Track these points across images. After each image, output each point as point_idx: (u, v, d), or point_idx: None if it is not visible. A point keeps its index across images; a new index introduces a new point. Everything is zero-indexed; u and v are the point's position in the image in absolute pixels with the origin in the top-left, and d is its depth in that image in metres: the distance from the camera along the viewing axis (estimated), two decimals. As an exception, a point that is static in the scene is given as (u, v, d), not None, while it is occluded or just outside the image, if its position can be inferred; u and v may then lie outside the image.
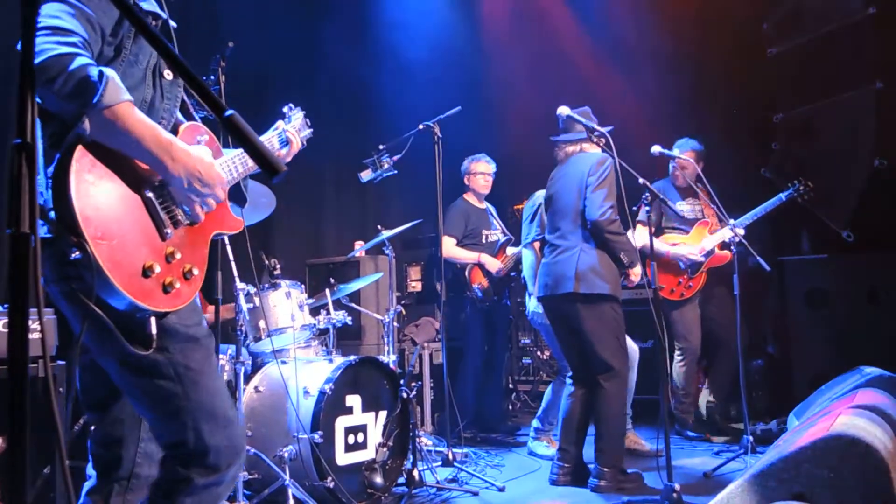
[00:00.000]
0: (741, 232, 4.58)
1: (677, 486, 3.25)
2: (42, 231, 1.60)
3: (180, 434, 1.71)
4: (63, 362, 3.03)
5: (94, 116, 1.53)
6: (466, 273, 5.14)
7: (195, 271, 1.72)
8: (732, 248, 4.49)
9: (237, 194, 2.02)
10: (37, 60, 1.47)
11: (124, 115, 1.56)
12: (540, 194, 4.64)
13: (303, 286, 3.92)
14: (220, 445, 1.74)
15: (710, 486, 3.81)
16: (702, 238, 4.91)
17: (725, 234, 4.74)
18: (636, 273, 3.90)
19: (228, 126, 1.05)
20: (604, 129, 3.68)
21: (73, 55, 1.51)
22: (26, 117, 0.97)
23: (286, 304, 3.74)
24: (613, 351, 3.80)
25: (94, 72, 1.52)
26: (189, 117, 1.95)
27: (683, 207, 5.03)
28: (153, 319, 1.65)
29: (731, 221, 4.52)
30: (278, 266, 3.82)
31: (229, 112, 1.05)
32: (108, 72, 1.54)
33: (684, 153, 4.92)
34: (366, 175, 4.08)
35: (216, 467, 1.74)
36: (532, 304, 4.65)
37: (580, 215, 3.86)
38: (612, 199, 3.75)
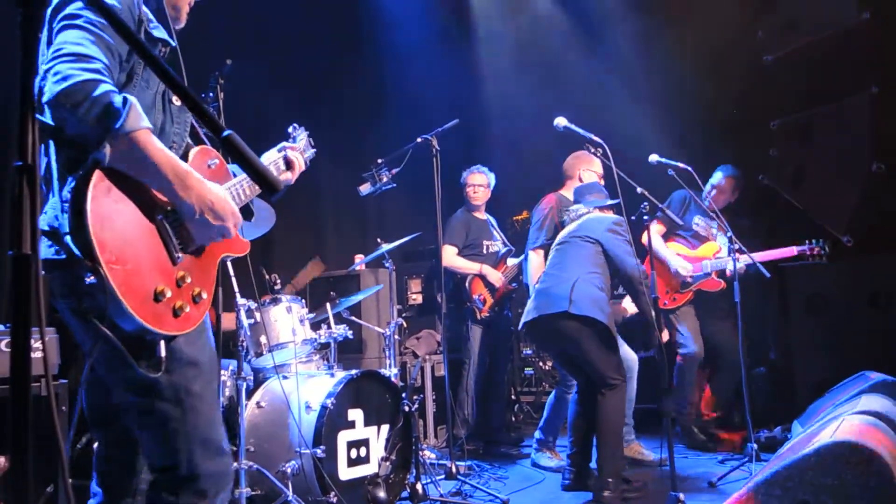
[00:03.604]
0: (742, 266, 4.60)
1: (681, 496, 3.24)
2: (50, 252, 1.62)
3: (173, 458, 1.72)
4: (65, 381, 3.03)
5: (115, 142, 1.55)
6: (467, 284, 5.14)
7: (204, 295, 1.74)
8: (732, 257, 4.52)
9: (244, 209, 2.04)
10: (61, 87, 1.50)
11: (144, 142, 1.58)
12: (549, 199, 4.66)
13: (303, 301, 3.92)
14: (210, 473, 1.75)
15: (715, 495, 3.80)
16: (704, 258, 4.88)
17: (727, 263, 4.69)
18: (653, 341, 3.95)
19: (226, 146, 1.06)
20: (611, 203, 3.81)
21: (96, 81, 1.53)
22: (27, 139, 0.98)
23: (287, 319, 3.74)
24: (609, 365, 3.82)
25: (117, 99, 1.55)
26: (199, 141, 1.96)
27: (699, 223, 5.02)
28: (163, 343, 1.67)
29: (736, 249, 4.55)
30: (278, 281, 3.83)
31: (227, 132, 1.06)
32: (131, 98, 1.57)
33: (726, 177, 4.96)
34: (365, 188, 4.10)
35: (204, 494, 1.74)
36: None
37: (585, 259, 3.93)
38: (633, 256, 3.88)
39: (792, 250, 4.60)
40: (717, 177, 5.01)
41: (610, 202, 4.10)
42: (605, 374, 3.79)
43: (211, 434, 1.77)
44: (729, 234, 4.25)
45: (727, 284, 4.86)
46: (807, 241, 4.57)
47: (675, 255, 4.94)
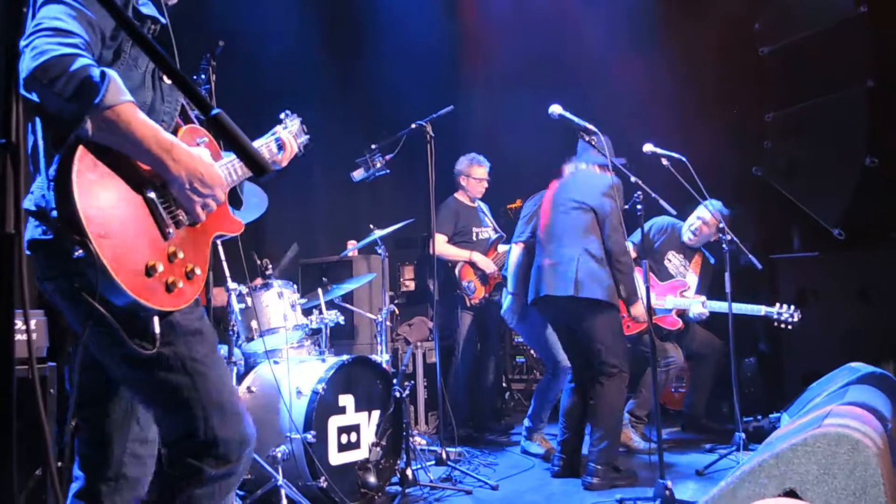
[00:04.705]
0: (706, 312, 4.62)
1: (669, 483, 3.26)
2: (37, 232, 1.61)
3: (190, 425, 1.71)
4: (53, 364, 3.01)
5: (96, 117, 1.53)
6: (457, 271, 5.13)
7: (197, 271, 1.73)
8: (689, 316, 4.70)
9: (233, 197, 2.03)
10: (38, 61, 1.48)
11: (126, 116, 1.56)
12: (541, 195, 4.65)
13: (295, 286, 3.91)
14: (230, 437, 1.74)
15: (703, 483, 3.83)
16: (668, 293, 4.84)
17: (692, 305, 4.69)
18: (636, 310, 3.99)
19: (214, 125, 1.05)
20: (615, 160, 3.78)
21: (74, 56, 1.51)
22: (11, 116, 0.96)
23: (278, 304, 3.73)
24: (614, 352, 3.84)
25: (95, 72, 1.52)
26: (188, 121, 1.95)
27: (673, 260, 5.02)
28: (156, 319, 1.66)
29: (702, 298, 4.65)
30: (270, 266, 3.81)
31: (215, 111, 1.05)
32: (110, 72, 1.54)
33: (713, 213, 4.74)
34: (358, 174, 4.08)
35: (227, 459, 1.74)
36: (507, 303, 4.67)
37: (583, 229, 3.91)
38: (622, 226, 3.87)
39: (760, 309, 4.50)
40: (704, 212, 4.75)
41: (590, 129, 3.86)
42: (606, 360, 3.81)
43: (223, 396, 1.76)
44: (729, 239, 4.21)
45: (685, 326, 4.85)
46: (777, 304, 4.53)
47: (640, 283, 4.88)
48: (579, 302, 3.82)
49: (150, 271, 1.61)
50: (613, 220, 3.87)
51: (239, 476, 1.81)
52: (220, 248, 3.41)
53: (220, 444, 1.72)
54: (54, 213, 1.54)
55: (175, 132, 1.83)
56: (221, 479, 1.75)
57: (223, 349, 3.59)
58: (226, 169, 1.88)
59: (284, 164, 2.21)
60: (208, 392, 1.73)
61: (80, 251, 1.50)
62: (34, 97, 1.55)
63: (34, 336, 2.92)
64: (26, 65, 1.49)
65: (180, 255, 1.69)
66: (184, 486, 1.73)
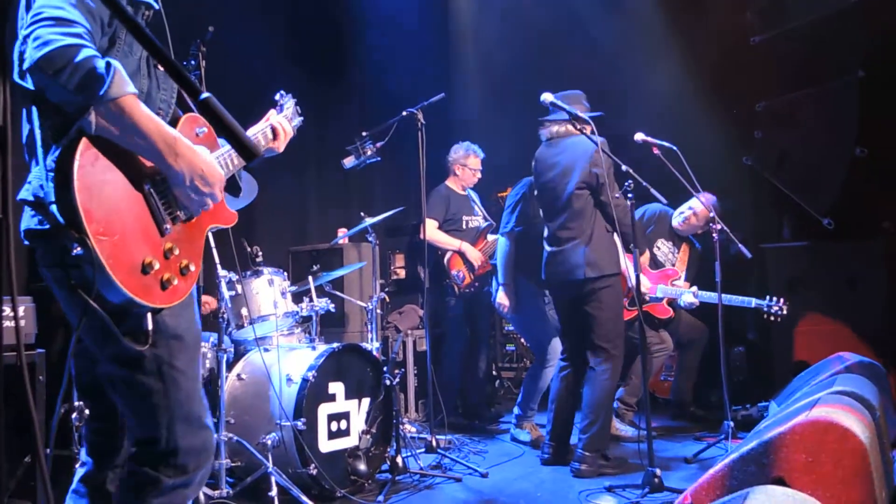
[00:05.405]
0: (696, 301, 4.64)
1: (658, 471, 3.29)
2: (34, 222, 1.59)
3: (153, 431, 1.71)
4: (42, 350, 3.00)
5: (100, 109, 1.51)
6: (446, 260, 5.12)
7: (192, 267, 1.72)
8: (679, 304, 4.71)
9: (232, 184, 2.02)
10: (42, 52, 1.46)
11: (130, 108, 1.54)
12: (525, 183, 4.63)
13: (285, 273, 3.90)
14: (191, 448, 1.74)
15: (691, 470, 3.86)
16: (659, 282, 4.84)
17: (683, 295, 4.70)
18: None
19: (204, 109, 1.04)
20: (592, 115, 3.74)
21: (78, 46, 1.49)
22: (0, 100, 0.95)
23: (269, 292, 3.72)
24: (612, 338, 3.86)
25: (100, 63, 1.50)
26: (186, 108, 1.93)
27: (662, 248, 5.03)
28: (150, 315, 1.65)
29: (694, 288, 4.67)
30: (260, 253, 3.80)
31: (205, 95, 1.04)
32: (115, 63, 1.52)
33: (705, 205, 4.73)
34: (349, 162, 4.06)
35: (184, 469, 1.74)
36: (499, 294, 4.67)
37: (584, 208, 3.89)
38: (615, 185, 3.83)
39: (751, 301, 4.50)
40: (697, 204, 4.80)
41: (582, 117, 3.78)
42: (604, 347, 3.82)
43: (192, 408, 1.75)
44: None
45: (675, 313, 4.87)
46: (767, 297, 4.51)
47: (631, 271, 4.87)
48: (590, 282, 3.84)
49: (146, 269, 1.60)
50: (608, 186, 3.82)
51: (195, 487, 1.80)
52: (210, 236, 3.39)
53: (179, 454, 1.72)
54: (53, 206, 1.52)
55: (174, 123, 1.81)
56: (178, 488, 1.75)
57: (213, 336, 3.58)
58: (222, 160, 1.86)
59: (281, 149, 2.19)
60: (178, 402, 1.72)
61: (79, 248, 1.49)
62: (29, 84, 1.53)
63: (22, 323, 2.90)
64: (29, 55, 1.48)
65: (176, 251, 1.68)
66: (141, 494, 1.72)
